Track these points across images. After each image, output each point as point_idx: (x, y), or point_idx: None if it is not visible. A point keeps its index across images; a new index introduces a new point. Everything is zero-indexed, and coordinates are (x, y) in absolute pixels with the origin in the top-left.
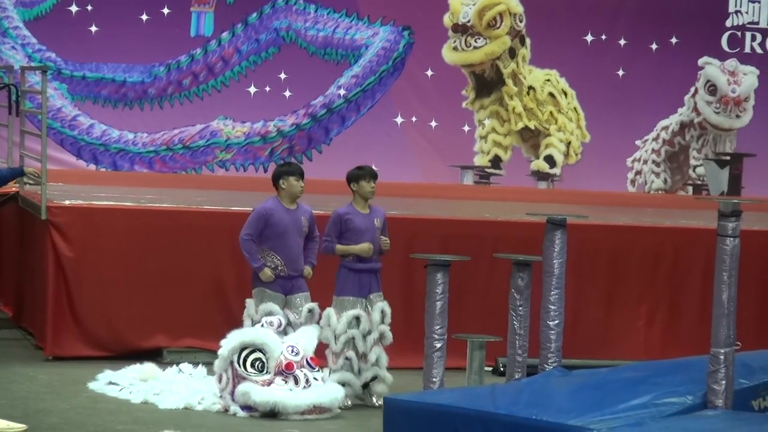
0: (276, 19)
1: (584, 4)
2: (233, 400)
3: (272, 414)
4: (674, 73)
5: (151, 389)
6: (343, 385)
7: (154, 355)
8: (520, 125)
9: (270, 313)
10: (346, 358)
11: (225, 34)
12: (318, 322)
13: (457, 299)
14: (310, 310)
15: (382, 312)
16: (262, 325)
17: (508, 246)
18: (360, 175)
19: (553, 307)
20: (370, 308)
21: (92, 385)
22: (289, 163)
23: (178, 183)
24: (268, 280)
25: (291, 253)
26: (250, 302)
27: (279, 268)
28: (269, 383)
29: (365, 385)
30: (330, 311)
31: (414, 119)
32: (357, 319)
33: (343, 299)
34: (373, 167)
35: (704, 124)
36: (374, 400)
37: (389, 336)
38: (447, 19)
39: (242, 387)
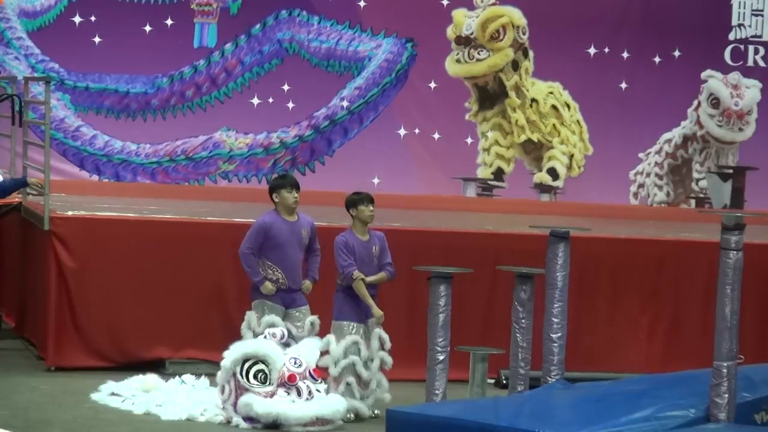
0: (279, 30)
1: (587, 16)
2: (236, 411)
3: (275, 426)
4: (677, 86)
5: (154, 400)
6: None
7: (157, 366)
8: (523, 138)
9: (273, 325)
10: (347, 383)
11: (228, 46)
12: (319, 335)
13: (460, 311)
14: (312, 323)
15: (380, 338)
16: (265, 337)
17: (511, 258)
18: (357, 200)
19: (555, 320)
20: (368, 334)
21: (94, 396)
22: (283, 175)
23: (180, 194)
24: (269, 293)
25: (291, 265)
26: (250, 314)
27: (280, 281)
28: (272, 395)
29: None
30: (330, 338)
31: (417, 131)
32: (356, 344)
33: (341, 323)
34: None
35: (707, 137)
36: (373, 410)
37: (389, 361)
38: (450, 32)
39: (245, 398)
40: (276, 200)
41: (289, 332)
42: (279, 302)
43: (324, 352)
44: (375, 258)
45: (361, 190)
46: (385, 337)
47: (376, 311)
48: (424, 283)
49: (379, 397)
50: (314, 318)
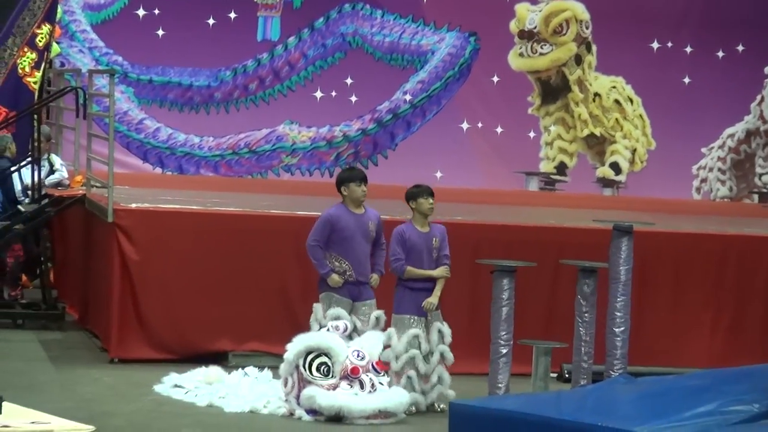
0: (342, 24)
1: (650, 11)
2: (298, 404)
3: (337, 418)
4: (740, 80)
5: (217, 392)
6: None
7: (220, 359)
8: (586, 132)
9: (338, 318)
10: (408, 377)
11: (291, 39)
12: (384, 330)
13: (523, 305)
14: (377, 318)
15: (440, 332)
16: (328, 330)
17: (574, 252)
18: (418, 192)
19: (619, 314)
20: (428, 327)
21: (157, 388)
22: (351, 168)
23: (243, 187)
24: (336, 285)
25: (358, 258)
26: (317, 307)
27: (347, 273)
28: (334, 387)
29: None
30: (391, 331)
31: (479, 125)
32: (416, 338)
33: (402, 317)
34: (430, 186)
35: None
36: (437, 404)
37: (450, 356)
38: (513, 26)
39: (307, 391)
40: (344, 193)
41: (354, 326)
42: (346, 295)
43: (386, 346)
44: (435, 250)
45: (421, 183)
46: (446, 330)
47: (436, 272)
48: (487, 277)
49: (442, 392)
50: (380, 313)
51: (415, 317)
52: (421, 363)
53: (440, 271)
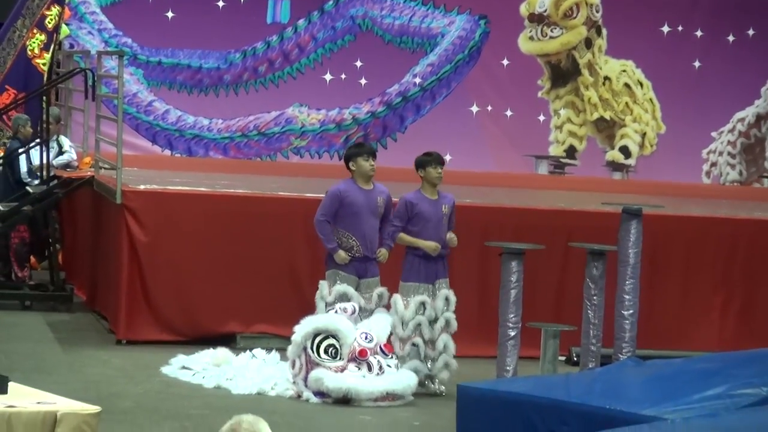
0: (352, 6)
1: None
2: (306, 386)
3: (345, 400)
4: (751, 65)
5: (224, 374)
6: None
7: (228, 341)
8: (596, 115)
9: (344, 295)
10: (413, 344)
11: (301, 21)
12: (387, 307)
13: (532, 288)
14: (380, 295)
15: (447, 299)
16: (336, 312)
17: (583, 236)
18: (427, 161)
19: (627, 297)
20: (435, 294)
21: (165, 370)
22: (360, 144)
23: (252, 169)
24: (342, 262)
25: (366, 233)
26: (323, 284)
27: (354, 248)
28: (342, 369)
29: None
30: (397, 297)
31: (489, 108)
32: (423, 305)
33: (409, 285)
34: (441, 154)
35: None
36: (436, 386)
37: (454, 323)
38: (523, 9)
39: (315, 373)
40: (353, 168)
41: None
42: (353, 272)
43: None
44: (445, 217)
45: (431, 151)
46: (452, 298)
47: (430, 244)
48: (495, 260)
49: (447, 360)
50: (383, 290)
51: (423, 284)
52: (426, 329)
53: (428, 244)
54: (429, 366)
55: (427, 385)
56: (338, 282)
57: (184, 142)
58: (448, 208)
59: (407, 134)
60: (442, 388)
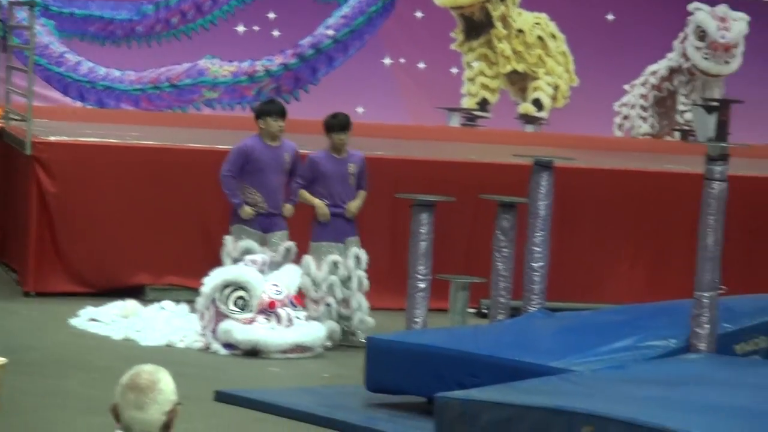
0: None
1: None
2: (215, 337)
3: (254, 352)
4: (664, 18)
5: (133, 326)
6: None
7: (137, 292)
8: (509, 68)
9: (248, 251)
10: (327, 305)
11: None
12: (295, 262)
13: (442, 241)
14: (288, 249)
15: (357, 257)
16: (245, 264)
17: (494, 188)
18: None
19: (537, 249)
20: (346, 254)
21: (74, 322)
22: (271, 100)
23: (164, 121)
24: (247, 217)
25: (271, 189)
26: (228, 239)
27: (259, 204)
28: (251, 321)
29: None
30: (308, 258)
31: (402, 61)
32: (335, 264)
33: (320, 244)
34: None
35: (693, 69)
36: (358, 338)
37: (366, 282)
38: None
39: (224, 325)
40: (261, 126)
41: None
42: (257, 227)
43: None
44: (351, 176)
45: (339, 112)
46: (363, 256)
47: (322, 207)
48: (406, 212)
49: (362, 318)
50: (291, 244)
51: (333, 244)
52: (338, 289)
53: (319, 206)
54: (345, 325)
55: (351, 339)
56: (243, 237)
57: (95, 93)
58: (356, 167)
59: (320, 86)
60: (363, 338)
